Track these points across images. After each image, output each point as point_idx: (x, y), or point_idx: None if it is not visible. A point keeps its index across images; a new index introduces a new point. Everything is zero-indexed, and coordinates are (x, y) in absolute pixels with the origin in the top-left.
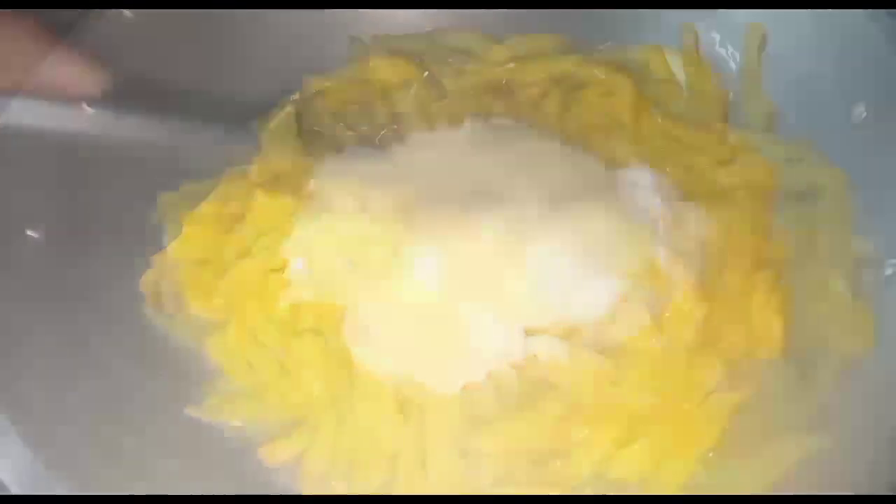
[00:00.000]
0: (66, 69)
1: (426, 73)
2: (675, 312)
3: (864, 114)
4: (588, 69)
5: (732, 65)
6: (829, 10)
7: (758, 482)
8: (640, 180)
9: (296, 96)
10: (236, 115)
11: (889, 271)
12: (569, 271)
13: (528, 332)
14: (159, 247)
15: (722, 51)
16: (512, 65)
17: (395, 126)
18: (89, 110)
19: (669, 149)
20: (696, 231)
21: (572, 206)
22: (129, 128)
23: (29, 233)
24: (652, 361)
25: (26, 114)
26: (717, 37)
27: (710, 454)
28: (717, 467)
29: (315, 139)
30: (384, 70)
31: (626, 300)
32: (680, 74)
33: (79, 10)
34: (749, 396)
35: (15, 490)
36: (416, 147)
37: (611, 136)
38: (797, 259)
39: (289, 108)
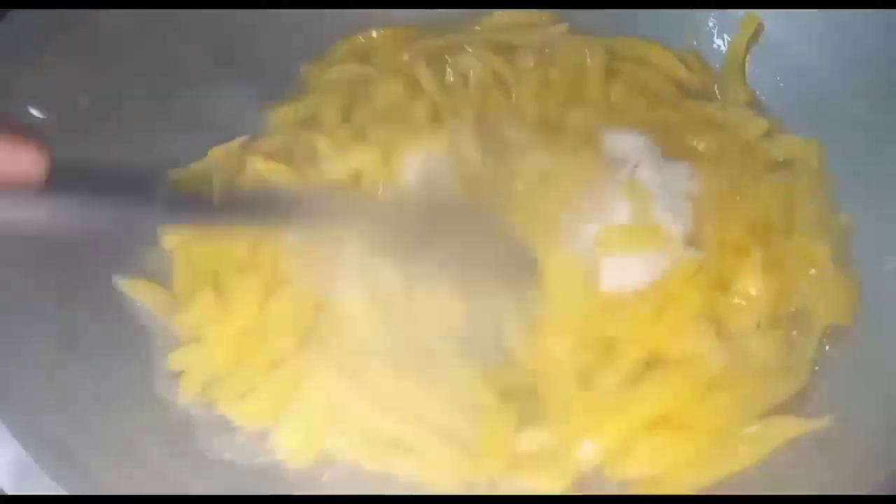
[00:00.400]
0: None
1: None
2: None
3: (865, 107)
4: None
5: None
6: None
7: (744, 462)
8: (627, 143)
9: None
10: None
11: (890, 266)
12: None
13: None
14: (151, 238)
15: (719, 42)
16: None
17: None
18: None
19: (648, 115)
20: (686, 190)
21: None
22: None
23: None
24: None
25: None
26: (714, 28)
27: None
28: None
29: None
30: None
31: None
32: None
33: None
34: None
35: (4, 485)
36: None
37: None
38: (781, 227)
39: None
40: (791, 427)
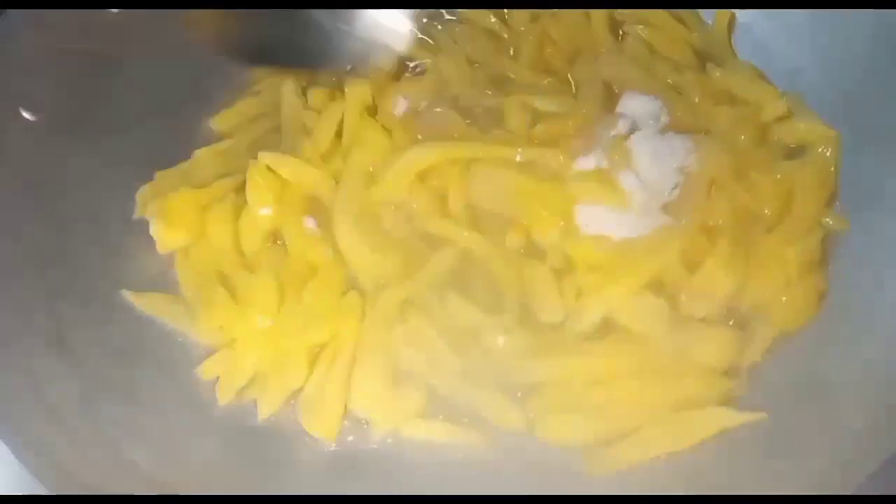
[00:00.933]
0: None
1: None
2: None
3: (854, 109)
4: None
5: None
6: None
7: (675, 445)
8: (642, 106)
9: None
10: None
11: None
12: None
13: None
14: (139, 242)
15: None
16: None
17: None
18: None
19: (666, 79)
20: (682, 164)
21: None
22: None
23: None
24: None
25: None
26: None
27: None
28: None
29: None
30: None
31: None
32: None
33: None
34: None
35: None
36: None
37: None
38: (768, 221)
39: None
40: (726, 418)
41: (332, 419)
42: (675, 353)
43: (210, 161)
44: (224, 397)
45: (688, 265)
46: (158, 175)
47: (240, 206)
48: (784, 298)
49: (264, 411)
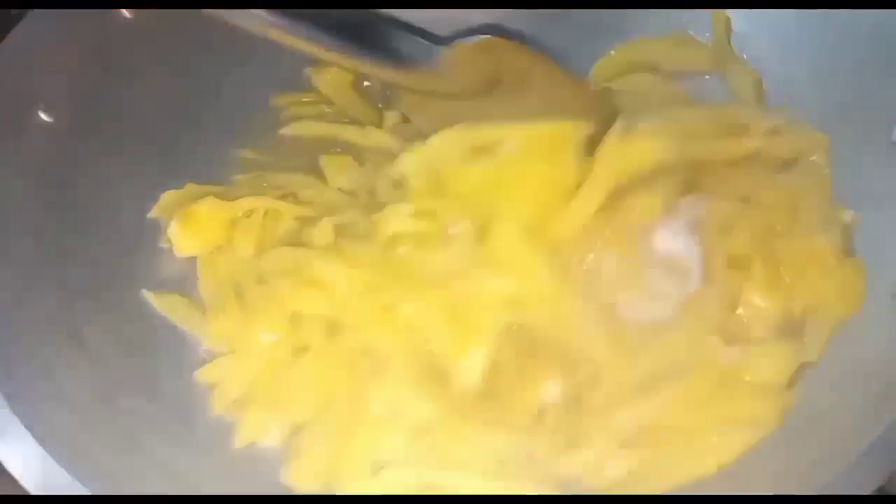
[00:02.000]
0: None
1: None
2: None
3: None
4: None
5: None
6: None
7: (710, 468)
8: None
9: None
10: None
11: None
12: None
13: None
14: (156, 243)
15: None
16: None
17: None
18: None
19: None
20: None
21: None
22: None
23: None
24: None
25: None
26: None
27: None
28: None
29: None
30: None
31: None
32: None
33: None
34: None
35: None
36: None
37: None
38: (784, 229)
39: None
40: (752, 433)
41: (313, 479)
42: (722, 376)
43: (246, 185)
44: (218, 407)
45: (730, 305)
46: (189, 186)
47: (267, 223)
48: (832, 285)
49: (242, 438)
